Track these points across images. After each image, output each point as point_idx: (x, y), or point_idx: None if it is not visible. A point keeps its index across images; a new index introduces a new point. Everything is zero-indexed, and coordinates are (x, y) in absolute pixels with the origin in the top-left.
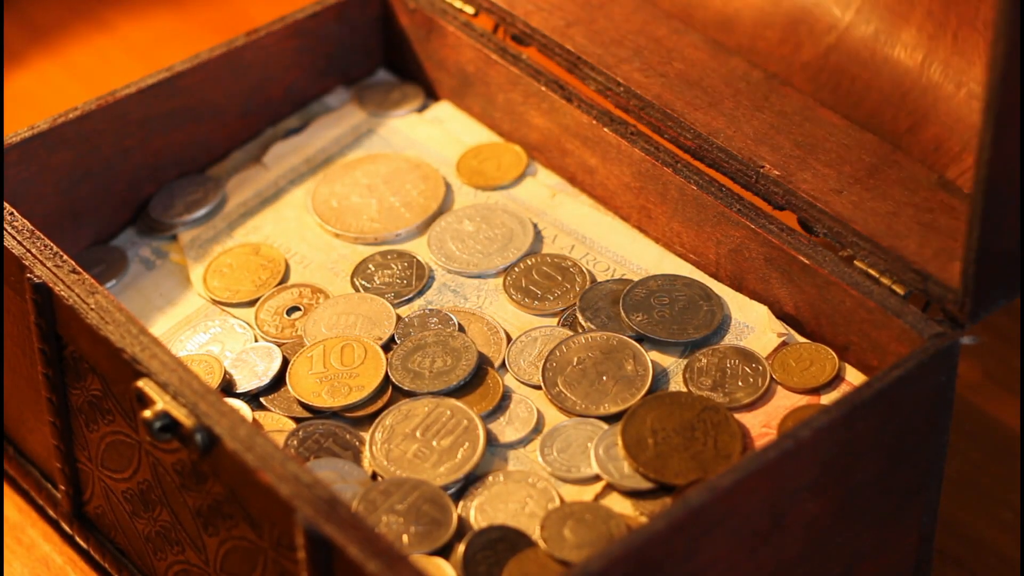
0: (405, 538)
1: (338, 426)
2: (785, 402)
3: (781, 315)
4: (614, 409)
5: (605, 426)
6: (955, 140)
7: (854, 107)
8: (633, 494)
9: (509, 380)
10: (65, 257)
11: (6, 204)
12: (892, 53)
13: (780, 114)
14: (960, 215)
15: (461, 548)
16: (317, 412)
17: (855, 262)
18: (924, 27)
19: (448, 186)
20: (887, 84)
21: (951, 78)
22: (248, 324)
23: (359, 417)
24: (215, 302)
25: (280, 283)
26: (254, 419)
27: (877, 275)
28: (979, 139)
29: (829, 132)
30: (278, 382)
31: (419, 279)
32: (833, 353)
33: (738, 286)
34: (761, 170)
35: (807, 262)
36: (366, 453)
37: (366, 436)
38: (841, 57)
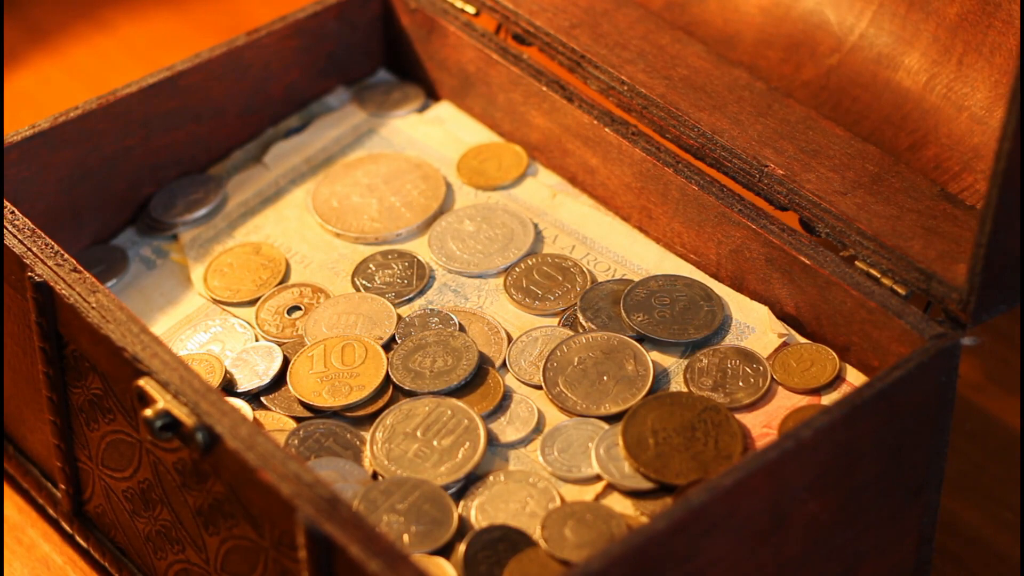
0: (406, 537)
1: (339, 425)
2: (786, 402)
3: (782, 315)
4: (615, 409)
5: (606, 426)
6: (955, 159)
7: (854, 125)
8: (634, 494)
9: (510, 380)
10: (66, 256)
11: (7, 203)
12: (894, 76)
13: (784, 121)
14: (963, 224)
15: (462, 548)
16: (318, 412)
17: (856, 263)
18: (928, 52)
19: (449, 186)
20: (887, 106)
21: (953, 102)
22: (249, 323)
23: (360, 416)
24: (216, 301)
25: (281, 283)
26: (255, 418)
27: (878, 275)
28: (998, 144)
29: (832, 141)
30: (279, 381)
31: (420, 279)
32: (834, 353)
33: (739, 286)
34: (765, 168)
35: (808, 262)
36: (367, 452)
37: (367, 435)
38: (842, 79)
